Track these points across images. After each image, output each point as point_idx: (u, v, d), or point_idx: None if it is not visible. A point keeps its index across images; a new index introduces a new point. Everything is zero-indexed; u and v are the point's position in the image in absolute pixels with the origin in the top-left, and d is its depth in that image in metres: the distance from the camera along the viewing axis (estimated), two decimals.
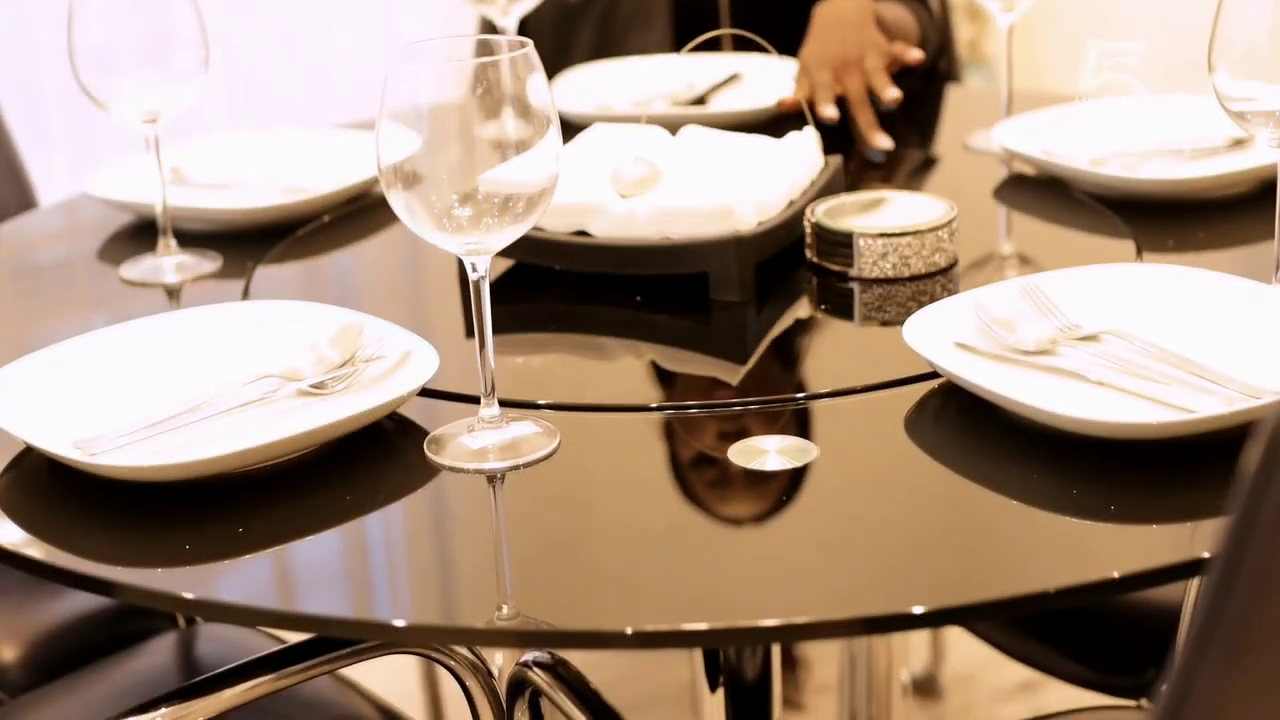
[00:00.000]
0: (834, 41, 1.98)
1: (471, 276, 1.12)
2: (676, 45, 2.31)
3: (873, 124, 1.89)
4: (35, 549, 1.08)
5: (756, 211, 1.45)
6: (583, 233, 1.48)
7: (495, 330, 1.14)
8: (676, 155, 1.55)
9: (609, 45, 2.35)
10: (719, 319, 1.41)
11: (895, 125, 1.91)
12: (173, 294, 1.58)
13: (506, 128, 1.08)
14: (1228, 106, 1.30)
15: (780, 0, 2.31)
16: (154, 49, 1.56)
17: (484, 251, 1.11)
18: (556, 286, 1.50)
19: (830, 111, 1.90)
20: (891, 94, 1.91)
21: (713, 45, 2.26)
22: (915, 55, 1.98)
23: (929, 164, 1.92)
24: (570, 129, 1.88)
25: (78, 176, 3.18)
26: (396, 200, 1.10)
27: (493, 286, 1.14)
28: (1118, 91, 1.80)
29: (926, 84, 2.25)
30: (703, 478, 1.16)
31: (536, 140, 1.09)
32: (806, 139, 1.58)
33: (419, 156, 1.08)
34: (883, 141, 1.86)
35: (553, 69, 2.24)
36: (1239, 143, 1.67)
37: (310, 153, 1.89)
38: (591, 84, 2.10)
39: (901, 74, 2.12)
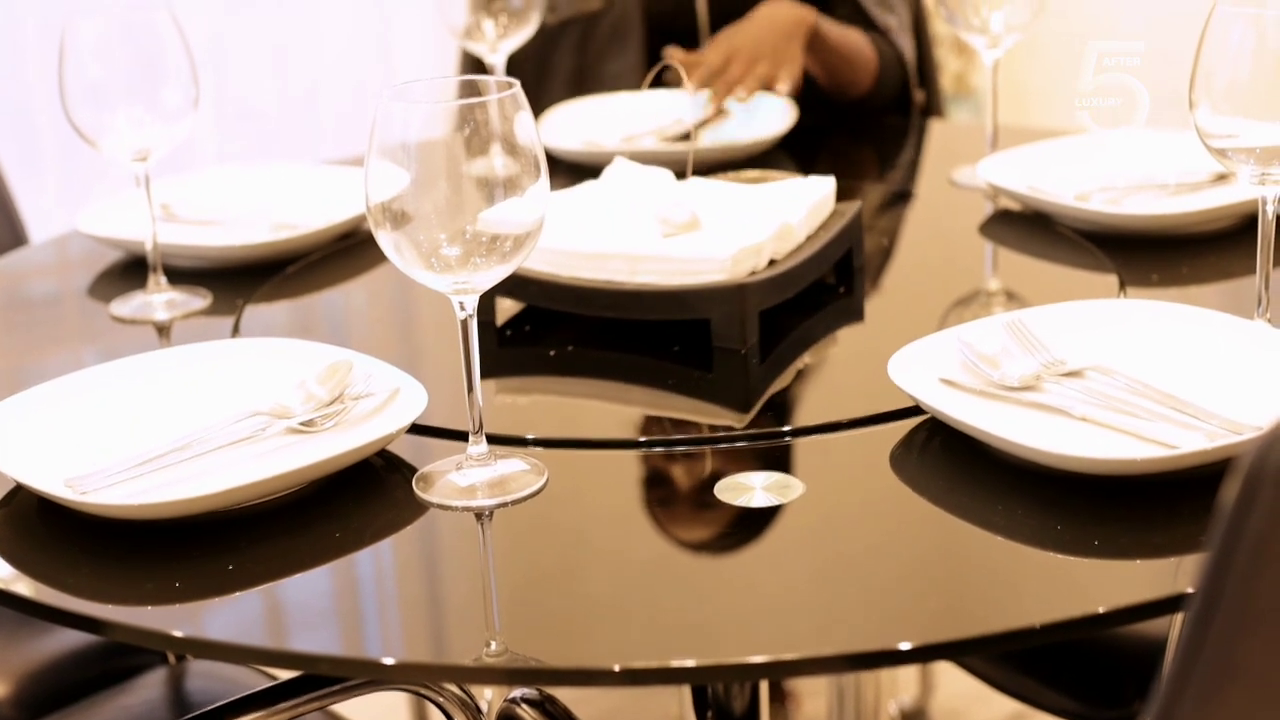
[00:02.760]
0: (750, 38, 2.07)
1: (459, 315, 1.13)
2: (649, 67, 2.33)
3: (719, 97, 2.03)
4: (24, 586, 1.09)
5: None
6: None
7: (486, 365, 1.15)
8: (705, 203, 1.55)
9: (588, 68, 2.37)
10: (706, 358, 1.41)
11: (879, 160, 1.93)
12: (163, 331, 1.58)
13: (494, 167, 1.09)
14: (1209, 144, 1.31)
15: None
16: (145, 87, 1.57)
17: (472, 291, 1.12)
18: (545, 324, 1.51)
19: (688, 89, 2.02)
20: (738, 97, 2.03)
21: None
22: (781, 89, 2.06)
23: (914, 199, 1.94)
24: (558, 166, 1.90)
25: (70, 207, 3.19)
26: (385, 239, 1.11)
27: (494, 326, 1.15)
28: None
29: (901, 118, 2.27)
30: (690, 514, 1.17)
31: (524, 180, 1.10)
32: (823, 185, 1.58)
33: (407, 196, 1.09)
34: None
35: (534, 93, 2.25)
36: (1222, 177, 1.68)
37: (300, 189, 1.89)
38: (579, 120, 2.12)
39: (872, 107, 2.14)
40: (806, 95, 2.14)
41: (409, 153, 1.09)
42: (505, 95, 1.09)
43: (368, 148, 1.10)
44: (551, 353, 1.47)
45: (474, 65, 2.23)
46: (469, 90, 1.11)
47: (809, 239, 1.48)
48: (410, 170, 1.09)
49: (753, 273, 1.41)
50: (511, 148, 1.09)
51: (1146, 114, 1.70)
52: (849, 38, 2.17)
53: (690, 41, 2.33)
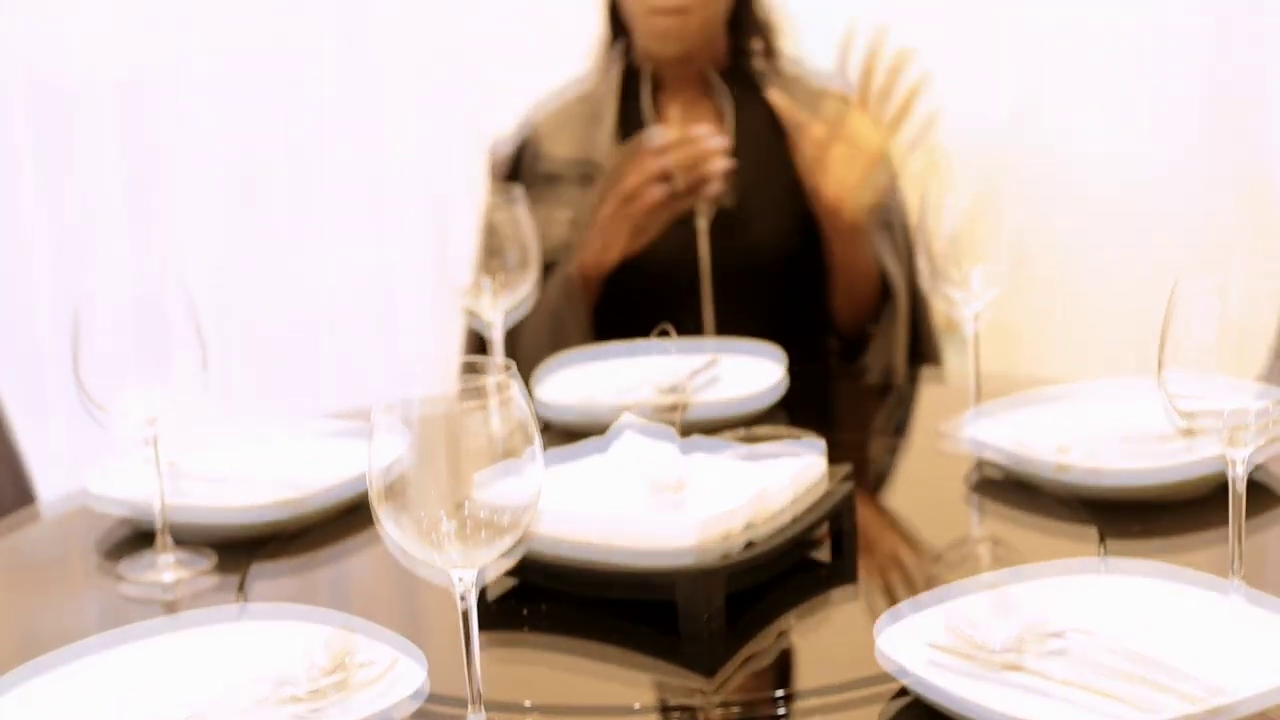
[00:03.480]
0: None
1: (457, 589, 1.17)
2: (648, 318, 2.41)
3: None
4: None
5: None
6: None
7: (487, 626, 1.18)
8: (695, 467, 1.59)
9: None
10: (699, 625, 1.44)
11: (868, 414, 1.97)
12: (168, 591, 1.62)
13: (492, 447, 1.14)
14: (1178, 406, 1.36)
15: (761, 289, 2.43)
16: (155, 359, 1.62)
17: (469, 567, 1.16)
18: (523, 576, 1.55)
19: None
20: None
21: (694, 328, 2.36)
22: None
23: (902, 454, 1.98)
24: (553, 423, 1.95)
25: (78, 456, 3.24)
26: (385, 518, 1.15)
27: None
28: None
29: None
30: None
31: (520, 454, 1.15)
32: (812, 451, 1.63)
33: (407, 474, 1.14)
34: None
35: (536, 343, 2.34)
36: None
37: (303, 448, 1.94)
38: (575, 376, 2.16)
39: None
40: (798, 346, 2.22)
41: (410, 428, 1.14)
42: (502, 377, 1.15)
43: (370, 432, 1.15)
44: (525, 611, 1.50)
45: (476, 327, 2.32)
46: (468, 372, 1.16)
47: (793, 502, 1.52)
48: (408, 448, 1.14)
49: (726, 537, 1.45)
50: (509, 430, 1.14)
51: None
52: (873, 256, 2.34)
53: (690, 292, 2.41)
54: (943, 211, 1.91)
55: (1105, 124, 3.66)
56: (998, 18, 3.87)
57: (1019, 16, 3.75)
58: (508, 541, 1.16)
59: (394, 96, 3.65)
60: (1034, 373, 2.09)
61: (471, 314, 2.23)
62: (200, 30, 3.52)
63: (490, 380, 1.14)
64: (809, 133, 2.27)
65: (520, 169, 2.52)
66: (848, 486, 1.59)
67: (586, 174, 2.42)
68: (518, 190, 2.02)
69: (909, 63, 2.25)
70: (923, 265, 1.93)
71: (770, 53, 2.56)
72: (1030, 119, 3.70)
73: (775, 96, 2.33)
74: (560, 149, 2.47)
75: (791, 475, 1.54)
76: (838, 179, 2.26)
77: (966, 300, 1.91)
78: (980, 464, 1.82)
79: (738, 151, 2.39)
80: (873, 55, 2.25)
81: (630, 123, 2.46)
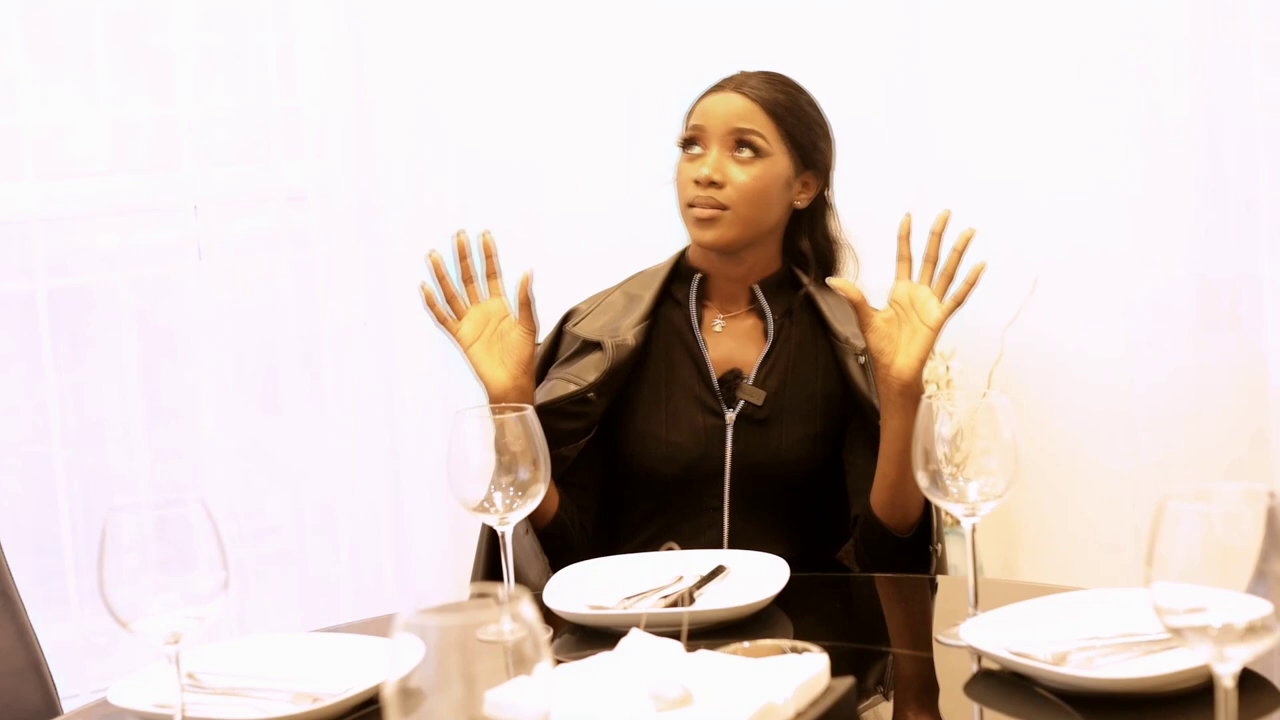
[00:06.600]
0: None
1: None
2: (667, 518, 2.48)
3: None
4: None
5: None
6: None
7: None
8: (701, 677, 1.63)
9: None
10: None
11: (867, 619, 1.99)
12: None
13: (504, 663, 1.20)
14: (1167, 622, 1.40)
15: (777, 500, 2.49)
16: (177, 575, 1.67)
17: None
18: None
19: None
20: None
21: (714, 534, 2.42)
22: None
23: (901, 659, 2.01)
24: (561, 627, 1.99)
25: (100, 659, 3.29)
26: None
27: None
28: None
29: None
30: None
31: (530, 671, 1.20)
32: (816, 662, 1.67)
33: (421, 690, 1.19)
34: None
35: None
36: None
37: (320, 657, 1.98)
38: (584, 580, 2.20)
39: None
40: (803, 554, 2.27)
41: (425, 645, 1.19)
42: (513, 606, 1.20)
43: (387, 648, 1.20)
44: None
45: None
46: (479, 604, 1.21)
47: (798, 716, 1.56)
48: (423, 666, 1.19)
49: None
50: (521, 659, 1.19)
51: None
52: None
53: (713, 486, 2.48)
54: (939, 425, 1.95)
55: (1101, 328, 3.74)
56: (994, 226, 3.96)
57: (1015, 226, 3.85)
58: None
59: (411, 307, 3.72)
60: (1030, 569, 2.13)
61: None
62: (216, 237, 3.61)
63: (502, 598, 1.20)
64: (869, 311, 2.32)
65: (559, 345, 2.59)
66: (851, 699, 1.62)
67: (599, 342, 2.50)
68: (529, 409, 2.08)
69: (967, 241, 2.34)
70: (921, 480, 1.96)
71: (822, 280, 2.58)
72: (1026, 324, 3.77)
73: (835, 281, 2.36)
74: (589, 327, 2.55)
75: (796, 687, 1.58)
76: (905, 350, 2.31)
77: (964, 514, 1.94)
78: (980, 673, 1.85)
79: (774, 362, 2.51)
80: (936, 236, 2.33)
81: (660, 316, 2.56)
